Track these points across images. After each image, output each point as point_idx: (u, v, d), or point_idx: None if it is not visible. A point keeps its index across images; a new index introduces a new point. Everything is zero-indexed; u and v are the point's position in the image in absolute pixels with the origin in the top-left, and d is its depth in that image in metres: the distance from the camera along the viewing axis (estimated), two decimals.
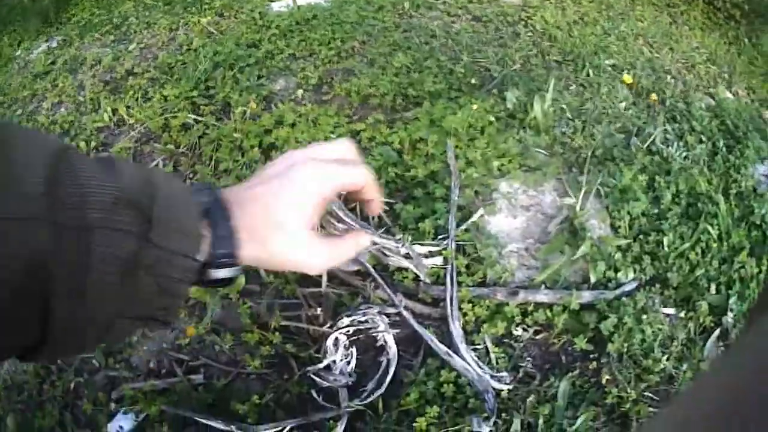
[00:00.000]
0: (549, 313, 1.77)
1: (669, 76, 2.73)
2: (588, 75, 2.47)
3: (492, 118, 2.07)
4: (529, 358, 1.78)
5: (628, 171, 2.13)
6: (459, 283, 1.76)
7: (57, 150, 0.50)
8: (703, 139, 2.48)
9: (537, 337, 1.81)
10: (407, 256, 1.52)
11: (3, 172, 0.46)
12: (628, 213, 2.07)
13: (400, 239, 1.50)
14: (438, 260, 1.73)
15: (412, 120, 2.02)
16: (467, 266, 1.74)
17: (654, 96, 2.41)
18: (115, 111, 2.32)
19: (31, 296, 0.46)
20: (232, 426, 1.43)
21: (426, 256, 1.69)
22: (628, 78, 2.41)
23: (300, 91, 2.13)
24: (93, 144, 2.24)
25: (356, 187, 0.62)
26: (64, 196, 0.48)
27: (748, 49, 3.18)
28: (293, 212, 0.60)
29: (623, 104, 2.50)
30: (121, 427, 1.54)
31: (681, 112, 2.55)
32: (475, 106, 2.04)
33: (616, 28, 2.78)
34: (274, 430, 1.49)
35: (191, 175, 2.06)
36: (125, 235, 0.50)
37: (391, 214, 1.87)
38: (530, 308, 1.78)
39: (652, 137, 2.38)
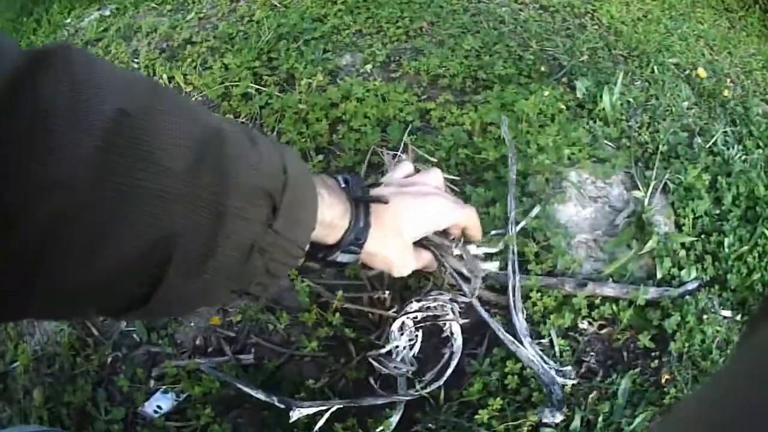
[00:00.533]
0: (615, 308, 1.73)
1: (728, 80, 2.66)
2: (653, 72, 2.41)
3: (562, 106, 2.01)
4: (592, 353, 1.73)
5: (692, 169, 2.07)
6: (527, 271, 1.70)
7: (208, 125, 0.49)
8: (760, 144, 2.42)
9: (601, 332, 1.76)
10: (460, 258, 1.42)
11: (150, 145, 0.44)
12: (692, 211, 2.02)
13: (453, 239, 1.37)
14: (494, 265, 1.62)
15: (483, 103, 1.95)
16: (536, 254, 1.68)
17: (726, 92, 2.34)
18: (171, 78, 2.27)
19: (149, 265, 0.46)
20: (273, 397, 1.35)
21: (481, 259, 1.59)
22: (702, 72, 2.34)
23: (368, 66, 2.07)
24: None
25: (463, 225, 0.90)
26: (205, 177, 0.47)
27: None
28: (413, 227, 0.76)
29: (686, 103, 2.44)
30: (159, 408, 1.43)
31: (740, 116, 2.49)
32: (546, 92, 1.97)
33: (678, 28, 2.71)
34: (318, 408, 1.39)
35: None
36: (253, 224, 0.51)
37: (461, 195, 1.81)
38: (597, 301, 1.72)
39: (714, 138, 2.31)
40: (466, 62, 2.14)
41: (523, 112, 1.98)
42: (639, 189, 1.97)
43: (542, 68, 2.22)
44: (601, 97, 2.18)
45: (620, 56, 2.46)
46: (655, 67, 2.49)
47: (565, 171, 1.93)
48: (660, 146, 2.20)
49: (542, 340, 1.65)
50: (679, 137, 2.30)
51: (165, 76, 2.29)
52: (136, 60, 2.50)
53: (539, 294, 1.67)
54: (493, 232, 1.70)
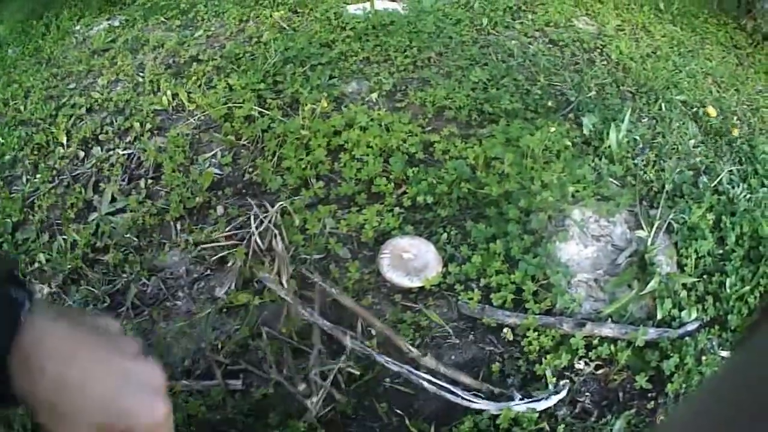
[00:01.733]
0: (613, 348, 1.67)
1: (735, 118, 2.58)
2: (660, 109, 2.34)
3: (568, 143, 1.95)
4: (587, 393, 1.64)
5: (697, 209, 2.00)
6: (525, 310, 1.62)
7: None
8: (765, 183, 2.33)
9: (597, 372, 1.68)
10: None
11: None
12: (696, 251, 1.94)
13: None
14: None
15: (488, 137, 1.89)
16: (535, 293, 1.60)
17: (735, 131, 2.25)
18: (175, 95, 2.22)
19: None
20: None
21: None
22: (712, 111, 2.26)
23: (374, 95, 2.01)
24: (148, 126, 2.13)
25: None
26: None
27: None
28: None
29: (692, 141, 2.37)
30: None
31: (746, 155, 2.41)
32: (553, 128, 1.90)
33: (686, 65, 2.64)
34: None
35: (251, 169, 1.94)
36: None
37: (460, 232, 1.74)
38: (595, 342, 1.64)
39: (719, 177, 2.22)
40: (473, 95, 2.08)
41: (528, 147, 1.92)
42: (643, 228, 1.89)
43: (549, 103, 2.16)
44: (607, 134, 2.11)
45: (628, 92, 2.39)
46: (663, 104, 2.42)
47: (568, 209, 1.85)
48: (665, 185, 2.12)
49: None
50: (685, 176, 2.22)
51: (169, 93, 2.24)
52: (141, 74, 2.46)
53: (536, 333, 1.59)
54: None
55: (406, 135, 1.90)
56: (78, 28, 2.99)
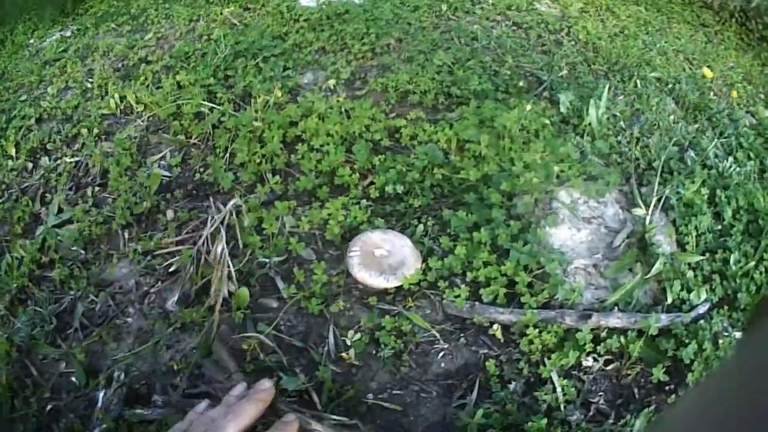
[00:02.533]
0: (623, 340, 1.43)
1: (712, 93, 2.40)
2: (636, 86, 2.16)
3: (546, 121, 1.72)
4: (600, 393, 1.40)
5: (691, 184, 1.77)
6: (521, 305, 1.38)
7: None
8: (751, 156, 2.15)
9: (608, 368, 1.45)
10: None
11: None
12: (695, 228, 1.72)
13: None
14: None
15: (459, 119, 1.66)
16: (529, 284, 1.36)
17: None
18: (123, 98, 1.97)
19: None
20: None
21: None
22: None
23: (332, 82, 1.77)
24: (96, 132, 1.88)
25: None
26: None
27: None
28: None
29: (672, 117, 2.16)
30: None
31: (727, 128, 2.22)
32: (528, 107, 1.67)
33: (656, 43, 2.48)
34: None
35: (202, 169, 1.67)
36: None
37: (437, 222, 1.49)
38: (603, 334, 1.40)
39: (706, 152, 2.03)
40: (438, 78, 1.86)
41: (504, 127, 1.69)
42: (637, 207, 1.67)
43: (520, 83, 1.94)
44: (586, 111, 1.90)
45: (600, 71, 2.20)
46: (638, 81, 2.23)
47: (555, 190, 1.62)
48: (652, 162, 1.91)
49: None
50: (671, 152, 2.02)
51: (117, 96, 1.98)
52: (90, 80, 2.20)
53: (537, 330, 1.34)
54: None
55: (369, 121, 1.66)
56: (32, 41, 2.74)
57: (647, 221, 1.67)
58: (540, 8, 2.47)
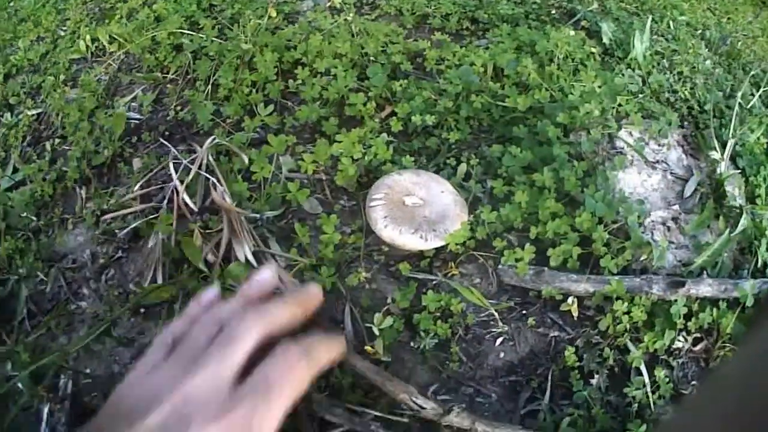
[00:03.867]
0: (715, 313, 0.97)
1: (740, 43, 1.89)
2: (669, 27, 1.62)
3: (593, 50, 1.18)
4: (692, 381, 0.95)
5: (750, 132, 1.27)
6: (600, 269, 0.85)
7: None
8: None
9: (696, 348, 0.98)
10: None
11: None
12: (764, 179, 1.21)
13: None
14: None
15: (495, 43, 1.11)
16: (607, 243, 0.83)
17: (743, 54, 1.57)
18: (95, 40, 1.40)
19: None
20: None
21: None
22: None
23: (337, 1, 1.20)
24: (62, 78, 1.41)
25: None
26: None
27: None
28: None
29: (708, 62, 1.64)
30: None
31: (762, 79, 1.71)
32: (572, 32, 1.14)
33: None
34: None
35: (179, 107, 1.11)
36: None
37: (482, 161, 0.95)
38: (695, 307, 0.98)
39: (751, 101, 1.52)
40: (461, 1, 1.30)
41: (547, 53, 1.15)
42: (711, 150, 1.15)
43: (553, 12, 1.39)
44: (631, 44, 1.37)
45: (630, 9, 1.67)
46: (670, 23, 1.70)
47: (616, 127, 1.09)
48: (703, 104, 1.39)
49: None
50: (717, 96, 1.49)
51: (88, 37, 1.45)
52: (63, 28, 1.63)
53: (623, 303, 0.82)
54: None
55: (385, 41, 1.11)
56: (11, 3, 2.12)
57: (723, 168, 1.16)
58: None
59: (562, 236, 0.92)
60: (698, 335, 1.01)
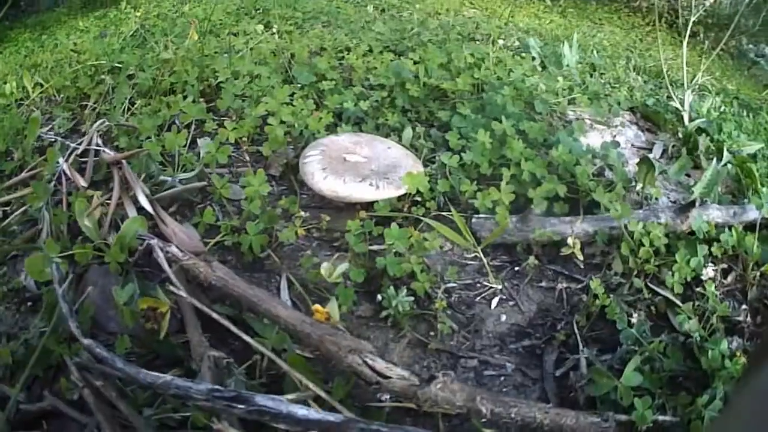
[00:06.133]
0: (735, 235, 0.84)
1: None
2: (593, 53, 1.67)
3: (523, 57, 1.16)
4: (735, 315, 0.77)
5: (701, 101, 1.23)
6: (592, 209, 0.70)
7: None
8: None
9: (726, 281, 0.82)
10: None
11: None
12: (728, 134, 1.24)
13: None
14: None
15: (422, 59, 1.06)
16: (592, 181, 0.70)
17: None
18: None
19: None
20: None
21: None
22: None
23: (259, 27, 1.16)
24: None
25: None
26: None
27: None
28: None
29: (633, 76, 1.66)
30: None
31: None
32: (501, 41, 1.11)
33: (594, 35, 2.12)
34: None
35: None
36: None
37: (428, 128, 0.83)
38: (712, 232, 0.83)
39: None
40: (382, 37, 1.29)
41: (478, 56, 1.10)
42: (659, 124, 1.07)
43: (476, 36, 1.39)
44: (561, 55, 1.37)
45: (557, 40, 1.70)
46: (594, 51, 1.73)
47: (563, 104, 1.02)
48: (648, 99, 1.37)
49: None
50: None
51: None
52: None
53: (632, 238, 0.66)
54: None
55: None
56: None
57: (685, 122, 1.07)
58: (467, 14, 2.00)
59: (541, 178, 0.76)
60: (725, 265, 0.83)
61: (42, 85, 1.28)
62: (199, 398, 0.45)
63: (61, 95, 1.20)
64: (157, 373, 0.48)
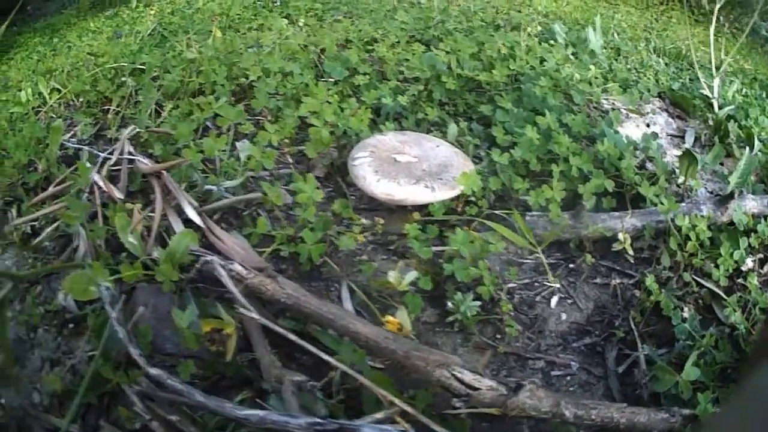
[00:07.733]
0: None
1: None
2: (614, 36, 1.64)
3: (552, 43, 1.14)
4: None
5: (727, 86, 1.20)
6: (635, 203, 0.69)
7: None
8: None
9: (764, 270, 0.81)
10: None
11: None
12: (755, 120, 1.24)
13: None
14: None
15: (451, 48, 1.05)
16: (637, 174, 0.69)
17: None
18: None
19: None
20: None
21: None
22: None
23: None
24: None
25: None
26: None
27: None
28: None
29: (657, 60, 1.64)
30: None
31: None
32: (530, 28, 1.09)
33: (612, 16, 2.13)
34: None
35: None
36: None
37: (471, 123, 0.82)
38: (749, 223, 0.82)
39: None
40: (407, 26, 1.27)
41: (509, 45, 1.08)
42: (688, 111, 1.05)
43: (499, 22, 1.38)
44: (587, 41, 1.34)
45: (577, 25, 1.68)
46: (615, 33, 1.71)
47: (598, 94, 1.00)
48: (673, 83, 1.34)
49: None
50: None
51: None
52: None
53: (680, 232, 0.66)
54: None
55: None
56: None
57: (715, 109, 1.06)
58: None
59: (589, 173, 0.75)
60: (761, 255, 0.83)
61: (59, 91, 1.26)
62: None
63: (81, 100, 1.19)
64: (250, 410, 0.46)
